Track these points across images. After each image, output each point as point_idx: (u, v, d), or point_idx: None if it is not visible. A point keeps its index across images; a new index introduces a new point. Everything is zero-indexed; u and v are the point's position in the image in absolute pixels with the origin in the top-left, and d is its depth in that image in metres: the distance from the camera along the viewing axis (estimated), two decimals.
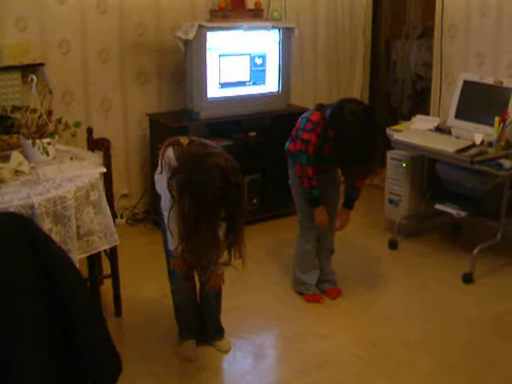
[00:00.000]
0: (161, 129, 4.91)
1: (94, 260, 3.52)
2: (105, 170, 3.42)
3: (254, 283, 4.30)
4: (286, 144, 3.96)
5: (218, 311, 3.57)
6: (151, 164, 5.18)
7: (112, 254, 3.75)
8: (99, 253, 3.56)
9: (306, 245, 4.04)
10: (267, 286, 4.27)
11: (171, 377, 3.36)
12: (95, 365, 2.52)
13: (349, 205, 3.97)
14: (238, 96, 5.05)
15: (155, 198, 5.00)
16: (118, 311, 3.84)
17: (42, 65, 4.54)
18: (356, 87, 6.29)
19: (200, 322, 3.56)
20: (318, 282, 4.11)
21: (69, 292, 2.43)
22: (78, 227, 3.09)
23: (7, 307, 2.28)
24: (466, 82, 4.70)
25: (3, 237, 2.33)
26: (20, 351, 2.29)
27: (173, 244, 3.14)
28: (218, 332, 3.59)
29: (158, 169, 3.15)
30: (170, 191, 3.00)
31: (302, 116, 3.82)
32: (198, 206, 2.90)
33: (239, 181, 2.96)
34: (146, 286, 4.22)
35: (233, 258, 3.12)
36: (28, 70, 4.44)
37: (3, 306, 2.28)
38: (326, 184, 3.92)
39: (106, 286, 3.95)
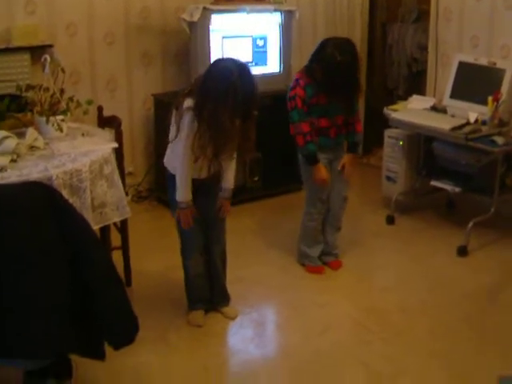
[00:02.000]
0: (165, 108, 5.01)
1: (106, 231, 3.68)
2: (117, 145, 3.54)
3: (258, 256, 4.45)
4: None
5: (224, 277, 3.70)
6: (155, 143, 5.31)
7: (123, 225, 3.89)
8: (109, 225, 3.68)
9: (311, 222, 4.16)
10: (270, 259, 4.41)
11: (180, 341, 3.49)
12: (115, 325, 2.63)
13: (352, 149, 4.10)
14: None
15: (159, 175, 5.12)
16: (128, 281, 3.96)
17: (51, 46, 4.66)
18: None
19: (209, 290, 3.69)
20: (320, 255, 4.25)
21: (90, 255, 2.55)
22: (92, 199, 3.21)
23: (33, 271, 2.39)
24: (460, 63, 4.83)
25: (29, 203, 2.43)
26: (46, 310, 2.42)
27: (181, 195, 3.32)
28: (225, 298, 3.72)
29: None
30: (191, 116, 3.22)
31: None
32: (218, 98, 3.13)
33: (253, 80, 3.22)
34: (151, 259, 4.34)
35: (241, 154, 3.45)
36: (37, 51, 4.55)
37: (30, 270, 2.39)
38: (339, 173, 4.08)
39: (115, 258, 4.05)
